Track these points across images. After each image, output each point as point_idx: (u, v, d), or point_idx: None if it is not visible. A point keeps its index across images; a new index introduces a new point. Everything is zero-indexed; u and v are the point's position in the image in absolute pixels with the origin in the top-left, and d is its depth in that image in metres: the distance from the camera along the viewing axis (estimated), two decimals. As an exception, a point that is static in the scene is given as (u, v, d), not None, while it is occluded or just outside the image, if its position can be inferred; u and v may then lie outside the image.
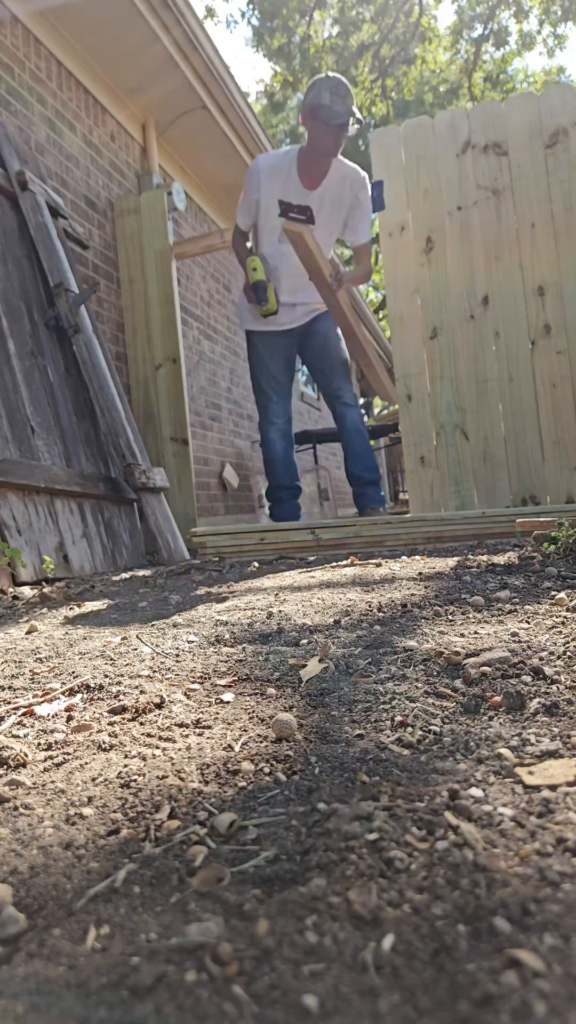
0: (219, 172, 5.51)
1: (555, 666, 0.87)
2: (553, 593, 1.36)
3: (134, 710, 0.84)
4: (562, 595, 1.28)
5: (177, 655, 1.13)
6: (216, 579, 2.26)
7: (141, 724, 0.80)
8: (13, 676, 1.07)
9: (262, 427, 3.75)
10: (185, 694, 0.91)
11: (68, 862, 0.50)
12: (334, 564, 2.31)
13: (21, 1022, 0.35)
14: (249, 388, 6.67)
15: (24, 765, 0.70)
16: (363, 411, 3.91)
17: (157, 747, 0.72)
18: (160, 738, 0.75)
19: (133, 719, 0.82)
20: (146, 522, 3.32)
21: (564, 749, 0.62)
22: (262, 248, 3.64)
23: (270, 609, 1.49)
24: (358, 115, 3.34)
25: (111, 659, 1.13)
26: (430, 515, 2.79)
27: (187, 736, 0.75)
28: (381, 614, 1.33)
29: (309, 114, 3.30)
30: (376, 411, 14.17)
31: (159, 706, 0.86)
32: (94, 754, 0.72)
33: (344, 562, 2.32)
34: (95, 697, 0.92)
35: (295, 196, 3.49)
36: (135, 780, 0.63)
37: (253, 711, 0.82)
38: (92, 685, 0.97)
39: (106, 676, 1.01)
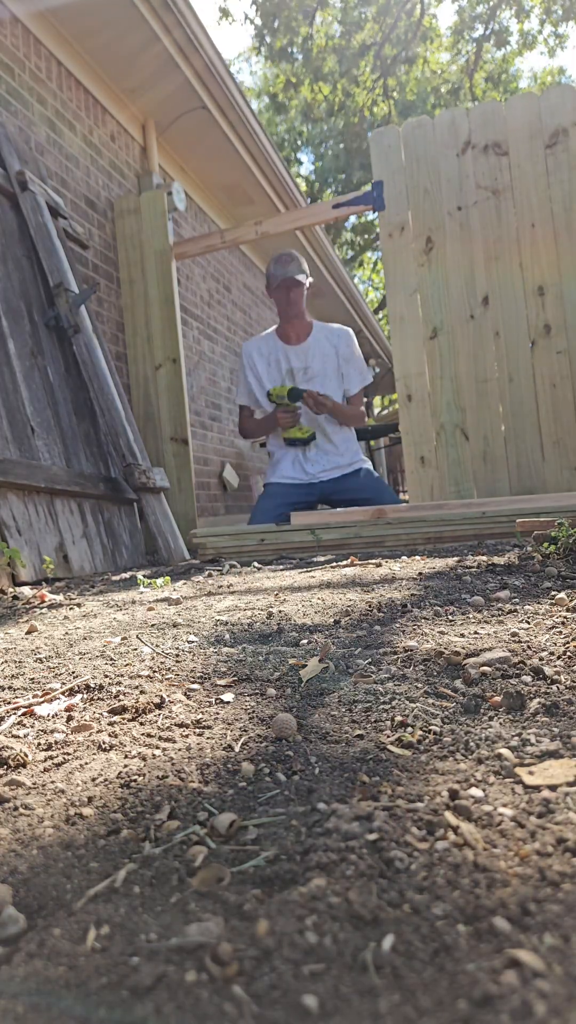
0: (219, 172, 5.51)
1: (555, 666, 0.87)
2: (553, 593, 1.36)
3: (134, 710, 0.84)
4: (562, 595, 1.28)
5: (177, 655, 1.13)
6: (216, 579, 2.26)
7: (141, 724, 0.80)
8: (13, 676, 1.07)
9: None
10: (185, 694, 0.91)
11: (68, 862, 0.50)
12: (334, 564, 2.31)
13: (21, 1022, 0.35)
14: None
15: (24, 765, 0.70)
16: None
17: (157, 747, 0.72)
18: (160, 738, 0.75)
19: (133, 719, 0.83)
20: (146, 522, 3.32)
21: (564, 749, 0.62)
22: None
23: (270, 609, 1.49)
24: (298, 274, 3.61)
25: (111, 659, 1.13)
26: (430, 515, 2.79)
27: (187, 736, 0.75)
28: (381, 614, 1.33)
29: (266, 288, 3.74)
30: (376, 411, 14.16)
31: (159, 706, 0.86)
32: (94, 754, 0.72)
33: (344, 562, 2.32)
34: (95, 697, 0.92)
35: (282, 355, 3.75)
36: (135, 780, 0.63)
37: (253, 711, 0.82)
38: (92, 685, 0.97)
39: (106, 676, 1.01)
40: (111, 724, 0.81)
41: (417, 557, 2.32)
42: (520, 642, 1.00)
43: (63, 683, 1.00)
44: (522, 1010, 0.33)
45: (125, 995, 0.37)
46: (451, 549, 2.55)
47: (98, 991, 0.37)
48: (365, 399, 4.12)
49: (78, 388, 3.29)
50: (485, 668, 0.86)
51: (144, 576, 2.51)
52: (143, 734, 0.77)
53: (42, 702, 0.91)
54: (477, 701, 0.78)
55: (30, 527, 2.53)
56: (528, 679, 0.82)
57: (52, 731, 0.80)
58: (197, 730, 0.77)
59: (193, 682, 0.96)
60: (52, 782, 0.65)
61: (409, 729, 0.71)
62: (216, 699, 0.88)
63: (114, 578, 2.58)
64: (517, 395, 3.46)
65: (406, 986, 0.36)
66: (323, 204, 3.89)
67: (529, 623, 1.12)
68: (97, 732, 0.78)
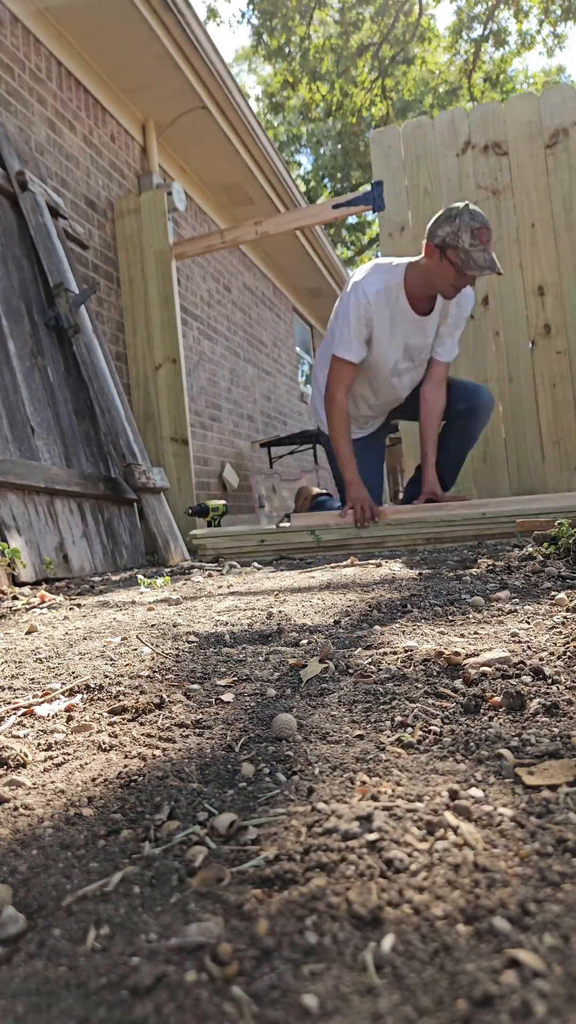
0: (219, 172, 5.51)
1: (555, 666, 0.87)
2: (553, 593, 1.36)
3: (134, 710, 0.84)
4: (562, 595, 1.28)
5: (177, 655, 1.13)
6: (216, 579, 2.26)
7: (141, 724, 0.80)
8: (13, 676, 1.07)
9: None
10: (185, 694, 0.91)
11: (68, 862, 0.50)
12: (334, 565, 2.31)
13: (21, 1022, 0.35)
14: (248, 388, 6.67)
15: (24, 765, 0.70)
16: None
17: (157, 747, 0.72)
18: (160, 738, 0.75)
19: (133, 719, 0.83)
20: (146, 522, 3.32)
21: (564, 749, 0.62)
22: (368, 379, 3.11)
23: (270, 609, 1.49)
24: (499, 267, 2.76)
25: (111, 659, 1.13)
26: (430, 516, 2.79)
27: (187, 736, 0.75)
28: (381, 614, 1.33)
29: (440, 249, 2.73)
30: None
31: (159, 706, 0.86)
32: (94, 754, 0.72)
33: (344, 562, 2.32)
34: (95, 697, 0.92)
35: (408, 326, 2.96)
36: (135, 780, 0.63)
37: (253, 711, 0.82)
38: (92, 685, 0.97)
39: (106, 676, 1.01)
40: (111, 724, 0.81)
41: (417, 557, 2.32)
42: (520, 642, 1.00)
43: (63, 683, 1.00)
44: (522, 1010, 0.33)
45: (125, 995, 0.37)
46: (451, 549, 2.55)
47: (98, 991, 0.37)
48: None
49: (78, 388, 3.29)
50: (485, 668, 0.86)
51: (144, 576, 2.51)
52: (143, 734, 0.77)
53: (42, 702, 0.91)
54: (477, 701, 0.78)
55: (30, 527, 2.53)
56: (528, 679, 0.82)
57: (52, 731, 0.80)
58: (197, 730, 0.77)
59: (193, 682, 0.96)
60: (52, 782, 0.65)
61: (409, 729, 0.71)
62: (216, 699, 0.88)
63: (114, 578, 2.58)
64: (517, 395, 3.46)
65: (406, 986, 0.36)
66: (323, 204, 3.89)
67: (529, 623, 1.12)
68: (97, 732, 0.78)
